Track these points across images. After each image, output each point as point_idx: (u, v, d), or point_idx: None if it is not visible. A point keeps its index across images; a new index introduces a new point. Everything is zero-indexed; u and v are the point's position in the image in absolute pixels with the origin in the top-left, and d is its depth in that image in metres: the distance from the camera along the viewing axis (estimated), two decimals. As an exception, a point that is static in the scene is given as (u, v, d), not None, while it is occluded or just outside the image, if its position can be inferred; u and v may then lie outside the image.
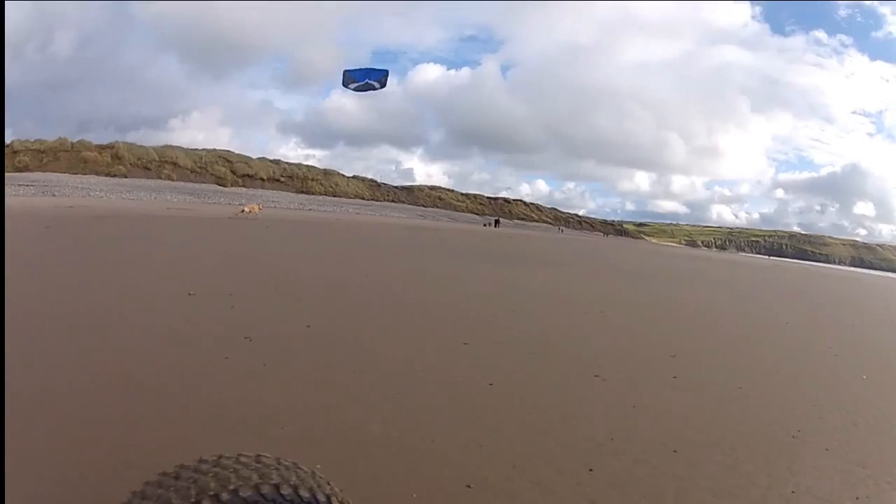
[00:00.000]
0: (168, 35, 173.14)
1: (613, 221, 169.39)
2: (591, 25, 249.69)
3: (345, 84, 15.27)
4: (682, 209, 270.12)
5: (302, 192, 69.20)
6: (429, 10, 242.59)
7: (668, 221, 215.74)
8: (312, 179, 72.50)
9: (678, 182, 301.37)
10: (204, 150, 67.11)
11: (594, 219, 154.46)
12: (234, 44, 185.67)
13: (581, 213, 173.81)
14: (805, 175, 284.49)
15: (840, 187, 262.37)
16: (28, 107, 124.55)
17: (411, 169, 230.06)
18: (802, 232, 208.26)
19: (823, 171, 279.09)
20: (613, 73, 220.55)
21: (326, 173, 76.64)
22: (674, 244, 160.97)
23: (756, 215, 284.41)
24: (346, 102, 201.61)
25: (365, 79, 15.38)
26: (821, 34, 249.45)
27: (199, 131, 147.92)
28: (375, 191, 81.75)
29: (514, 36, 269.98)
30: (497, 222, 73.13)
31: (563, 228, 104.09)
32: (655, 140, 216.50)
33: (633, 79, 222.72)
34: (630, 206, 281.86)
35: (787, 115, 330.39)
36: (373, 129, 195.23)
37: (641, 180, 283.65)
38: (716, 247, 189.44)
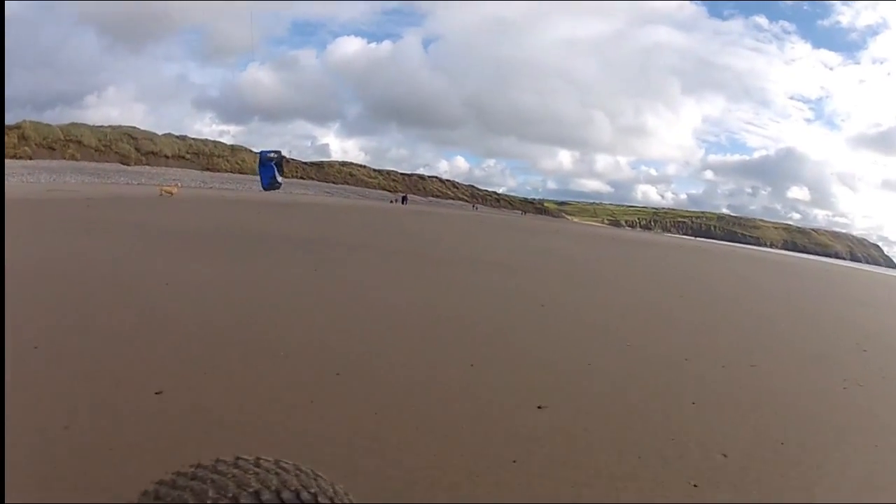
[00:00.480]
0: (89, 7, 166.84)
1: (534, 200, 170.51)
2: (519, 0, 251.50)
3: (278, 187, 19.12)
4: (605, 188, 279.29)
5: (207, 169, 71.47)
6: None
7: (592, 201, 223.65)
8: (219, 156, 74.65)
9: (602, 161, 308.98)
10: (109, 126, 69.09)
11: (514, 196, 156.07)
12: (152, 14, 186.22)
13: (501, 190, 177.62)
14: (736, 158, 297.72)
15: (773, 171, 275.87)
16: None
17: (327, 144, 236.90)
18: (732, 214, 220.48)
19: (756, 155, 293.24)
20: (539, 49, 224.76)
21: (233, 150, 78.55)
22: (596, 224, 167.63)
23: (683, 196, 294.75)
24: (263, 76, 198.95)
25: (273, 173, 18.40)
26: (761, 20, 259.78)
27: (113, 107, 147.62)
28: (283, 167, 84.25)
29: (437, 9, 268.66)
30: (405, 199, 76.46)
31: (479, 206, 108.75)
32: (580, 118, 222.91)
33: (560, 56, 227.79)
34: (552, 185, 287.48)
35: (720, 97, 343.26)
36: (289, 103, 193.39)
37: (564, 158, 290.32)
38: (640, 227, 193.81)
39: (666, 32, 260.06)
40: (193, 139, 75.23)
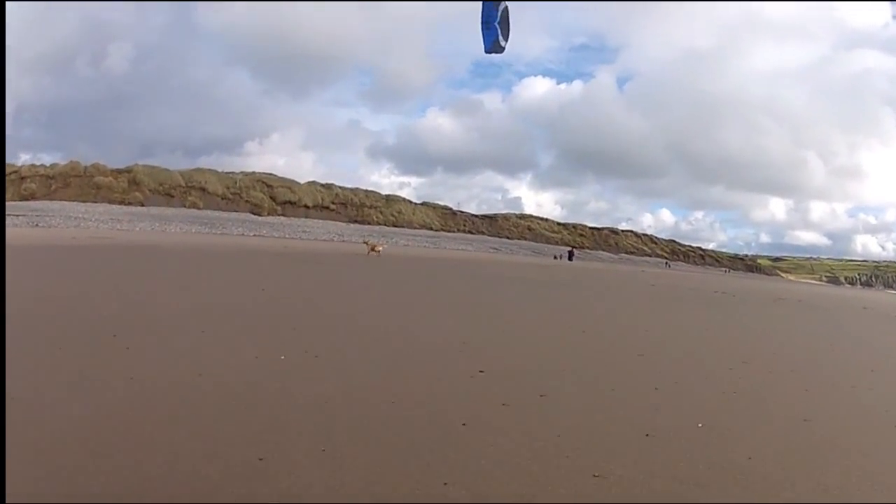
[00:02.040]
0: (238, 47, 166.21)
1: (745, 256, 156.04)
2: (712, 28, 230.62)
3: (500, 52, 9.92)
4: (822, 241, 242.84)
5: (356, 221, 60.80)
6: (534, 14, 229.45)
7: (807, 255, 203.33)
8: (371, 207, 64.19)
9: (817, 209, 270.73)
10: (241, 172, 60.44)
11: (721, 252, 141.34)
12: (314, 56, 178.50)
13: (711, 246, 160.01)
14: None
15: None
16: (81, 128, 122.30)
17: (519, 198, 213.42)
18: None
19: None
20: (740, 81, 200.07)
21: (388, 200, 68.69)
22: (813, 281, 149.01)
23: None
24: (444, 122, 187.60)
25: (493, 26, 10.02)
26: None
27: (278, 156, 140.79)
28: (449, 220, 72.60)
29: (628, 42, 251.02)
30: (571, 254, 61.28)
31: (675, 263, 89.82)
32: (791, 159, 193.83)
33: (764, 88, 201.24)
34: (765, 238, 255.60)
35: None
36: (475, 152, 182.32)
37: (776, 208, 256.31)
38: (860, 283, 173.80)
39: (873, 56, 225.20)
40: (341, 188, 65.47)
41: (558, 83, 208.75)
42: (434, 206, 74.99)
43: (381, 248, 31.16)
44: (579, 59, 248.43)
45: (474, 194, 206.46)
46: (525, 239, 77.69)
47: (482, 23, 12.10)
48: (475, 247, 60.31)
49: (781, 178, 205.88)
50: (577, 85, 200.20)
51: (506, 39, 12.28)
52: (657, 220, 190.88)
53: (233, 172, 60.58)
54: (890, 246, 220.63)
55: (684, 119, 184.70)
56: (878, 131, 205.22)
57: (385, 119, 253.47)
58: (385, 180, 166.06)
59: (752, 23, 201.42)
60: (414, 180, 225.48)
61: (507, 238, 73.95)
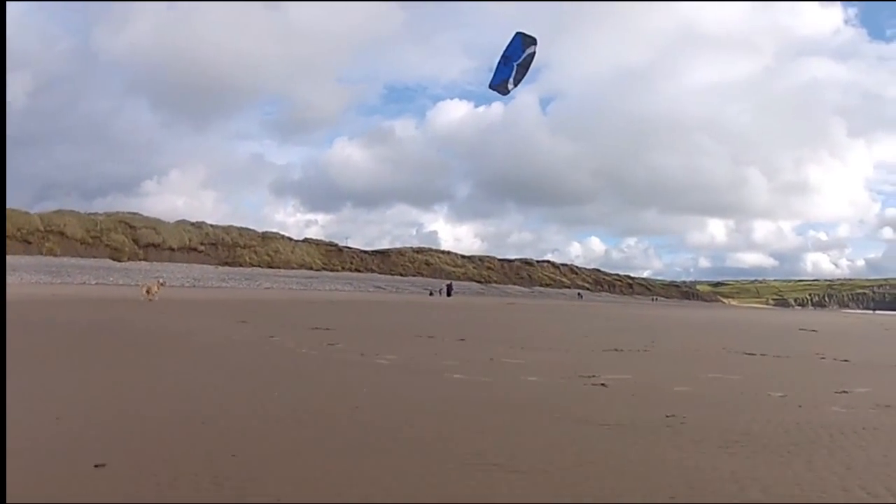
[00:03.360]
0: (138, 76, 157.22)
1: (681, 283, 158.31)
2: (646, 42, 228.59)
3: (503, 93, 12.36)
4: (768, 262, 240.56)
5: (226, 263, 60.29)
6: (451, 35, 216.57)
7: (752, 278, 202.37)
8: (244, 247, 63.50)
9: (761, 229, 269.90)
10: (103, 213, 59.74)
11: (655, 280, 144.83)
12: (216, 84, 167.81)
13: (646, 273, 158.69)
14: None
15: None
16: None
17: (435, 232, 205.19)
18: None
19: None
20: (676, 98, 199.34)
21: (265, 238, 68.02)
22: (758, 305, 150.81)
23: (861, 262, 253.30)
24: (353, 153, 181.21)
25: (511, 65, 12.04)
26: None
27: (177, 195, 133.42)
28: (333, 257, 72.28)
29: (553, 61, 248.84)
30: (449, 289, 61.13)
31: (584, 294, 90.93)
32: (731, 178, 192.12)
33: (702, 105, 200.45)
34: (705, 263, 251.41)
35: (894, 136, 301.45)
36: (386, 184, 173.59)
37: (716, 230, 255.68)
38: (812, 304, 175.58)
39: (821, 64, 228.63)
40: (213, 226, 64.65)
41: (476, 106, 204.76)
42: (317, 244, 74.62)
43: (156, 291, 29.71)
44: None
45: (386, 230, 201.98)
46: (422, 275, 77.76)
47: (503, 56, 12.41)
48: (355, 286, 60.45)
49: (720, 198, 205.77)
50: (497, 108, 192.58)
51: (515, 84, 12.62)
52: (586, 248, 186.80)
53: (95, 213, 59.78)
54: (844, 263, 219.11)
55: (614, 141, 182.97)
56: (827, 143, 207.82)
57: (292, 152, 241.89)
58: (291, 219, 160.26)
59: (687, 35, 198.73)
60: (321, 217, 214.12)
61: (401, 275, 74.15)
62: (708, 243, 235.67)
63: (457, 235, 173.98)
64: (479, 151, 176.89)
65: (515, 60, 12.26)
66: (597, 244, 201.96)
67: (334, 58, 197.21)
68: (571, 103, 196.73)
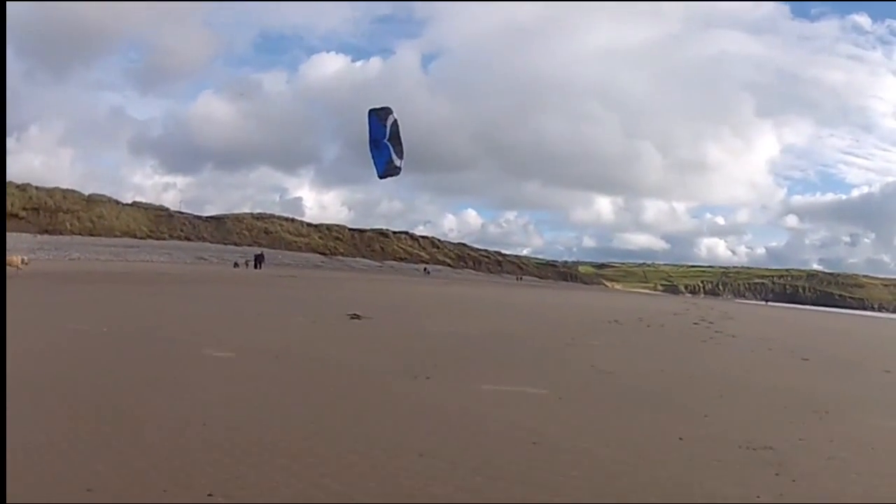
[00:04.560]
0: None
1: (561, 263, 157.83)
2: (539, 2, 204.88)
3: (396, 174, 13.62)
4: (659, 244, 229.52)
5: (47, 231, 63.98)
6: None
7: (641, 261, 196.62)
8: (67, 212, 67.13)
9: (653, 209, 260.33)
10: (-75, 175, 63.38)
11: (529, 258, 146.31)
12: (80, 26, 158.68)
13: (525, 251, 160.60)
14: (829, 198, 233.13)
15: (880, 213, 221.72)
16: None
17: (299, 198, 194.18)
18: (826, 270, 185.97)
19: (856, 193, 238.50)
20: (569, 63, 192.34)
21: (90, 202, 71.47)
22: (645, 290, 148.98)
23: (761, 250, 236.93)
24: (218, 107, 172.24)
25: (384, 144, 13.27)
26: (862, 19, 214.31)
27: (36, 154, 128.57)
28: (163, 224, 76.64)
29: (437, 14, 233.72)
30: (259, 260, 61.18)
31: (431, 270, 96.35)
32: (622, 151, 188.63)
33: (595, 71, 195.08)
34: (589, 242, 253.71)
35: (807, 120, 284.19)
36: (250, 143, 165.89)
37: (603, 207, 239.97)
38: (705, 292, 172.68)
39: (734, 38, 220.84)
40: (38, 188, 67.82)
41: (354, 60, 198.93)
42: (146, 208, 77.77)
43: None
44: (381, 33, 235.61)
45: (248, 195, 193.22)
46: (259, 244, 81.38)
47: (370, 141, 12.28)
48: (175, 257, 65.72)
49: (609, 173, 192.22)
50: (375, 63, 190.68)
51: (400, 157, 12.56)
52: (461, 221, 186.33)
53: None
54: (742, 250, 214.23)
55: (497, 103, 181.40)
56: (731, 120, 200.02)
57: (153, 105, 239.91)
58: (148, 181, 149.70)
59: None
60: (180, 180, 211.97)
61: (235, 244, 78.94)
62: (593, 221, 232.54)
63: (322, 203, 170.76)
64: (352, 110, 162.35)
65: (384, 138, 12.81)
66: (473, 217, 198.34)
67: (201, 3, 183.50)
68: (454, 61, 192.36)
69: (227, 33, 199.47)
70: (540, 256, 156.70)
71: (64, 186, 72.92)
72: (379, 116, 12.85)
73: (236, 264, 61.51)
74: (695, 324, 22.50)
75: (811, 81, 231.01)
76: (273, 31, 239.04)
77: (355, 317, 16.14)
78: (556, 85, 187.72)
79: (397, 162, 13.38)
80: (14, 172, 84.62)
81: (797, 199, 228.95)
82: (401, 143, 12.92)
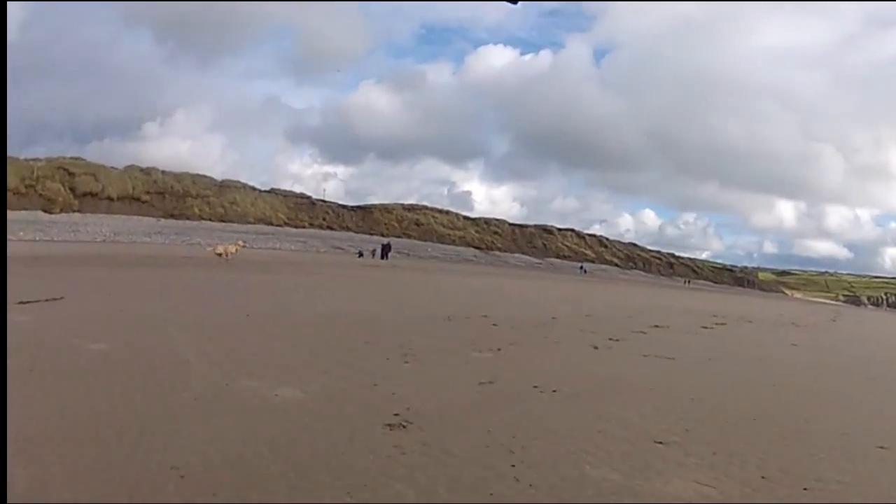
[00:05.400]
0: (140, 4, 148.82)
1: (739, 268, 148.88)
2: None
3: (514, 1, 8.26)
4: (841, 252, 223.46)
5: (172, 215, 58.34)
6: None
7: (822, 269, 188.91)
8: (196, 196, 61.26)
9: (835, 215, 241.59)
10: (45, 159, 58.32)
11: (706, 262, 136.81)
12: (227, 13, 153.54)
13: (704, 255, 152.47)
14: None
15: None
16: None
17: (469, 192, 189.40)
18: None
19: None
20: (744, 60, 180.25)
21: (222, 187, 65.63)
22: (826, 300, 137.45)
23: None
24: (380, 98, 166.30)
25: None
26: None
27: (182, 139, 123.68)
28: (303, 212, 69.61)
29: (609, 8, 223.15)
30: (385, 250, 54.77)
31: (588, 268, 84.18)
32: (802, 153, 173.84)
33: (771, 70, 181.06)
34: (770, 248, 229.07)
35: None
36: (415, 135, 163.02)
37: (785, 212, 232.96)
38: (888, 304, 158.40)
39: None
40: (164, 172, 62.40)
41: (522, 54, 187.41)
42: (285, 195, 71.86)
43: (233, 252, 27.52)
44: (550, 26, 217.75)
45: (414, 188, 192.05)
46: (409, 236, 74.23)
47: None
48: (307, 244, 57.67)
49: (790, 175, 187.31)
50: (545, 56, 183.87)
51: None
52: (638, 222, 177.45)
53: (37, 159, 58.38)
54: None
55: (671, 101, 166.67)
56: None
57: (311, 94, 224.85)
58: (307, 170, 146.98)
59: None
60: (341, 170, 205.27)
61: (382, 235, 70.79)
62: (775, 226, 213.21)
63: (493, 198, 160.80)
64: (522, 104, 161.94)
65: None
66: (650, 218, 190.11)
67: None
68: (627, 56, 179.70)
69: (387, 24, 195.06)
70: (718, 261, 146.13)
71: (196, 171, 67.44)
72: None
73: (360, 254, 55.04)
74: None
75: None
76: (437, 23, 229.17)
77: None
78: (729, 83, 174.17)
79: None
80: (158, 158, 80.00)
81: None
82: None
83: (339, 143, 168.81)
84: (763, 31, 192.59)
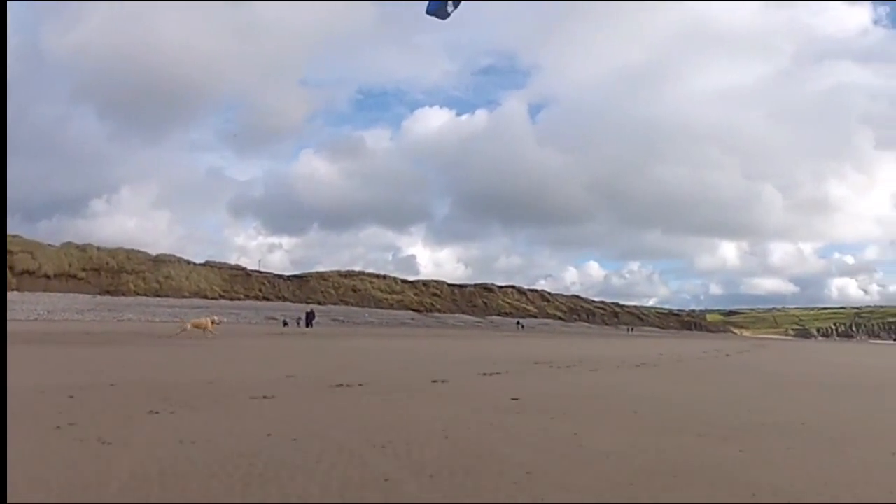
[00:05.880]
0: (85, 78, 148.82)
1: (686, 312, 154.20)
2: (648, 42, 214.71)
3: (443, 17, 9.50)
4: (787, 288, 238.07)
5: (108, 291, 60.60)
6: (432, 35, 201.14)
7: (770, 306, 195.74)
8: (132, 272, 63.92)
9: (778, 251, 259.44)
10: (-20, 237, 60.44)
11: (649, 308, 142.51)
12: (170, 88, 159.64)
13: (651, 301, 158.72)
14: None
15: None
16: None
17: (413, 256, 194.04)
18: None
19: None
20: (681, 105, 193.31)
21: (157, 262, 68.26)
22: (775, 336, 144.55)
23: (893, 288, 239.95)
24: (320, 166, 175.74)
25: None
26: None
27: (128, 216, 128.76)
28: (239, 283, 72.31)
29: (545, 63, 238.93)
30: (309, 318, 54.59)
31: (524, 323, 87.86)
32: (744, 194, 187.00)
33: (710, 112, 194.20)
34: (716, 290, 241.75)
35: None
36: (357, 203, 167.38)
37: (728, 252, 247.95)
38: (837, 334, 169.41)
39: (847, 69, 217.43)
40: (99, 249, 64.91)
41: (458, 114, 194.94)
42: (220, 268, 74.40)
43: (210, 328, 27.46)
44: (484, 85, 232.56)
45: (359, 255, 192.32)
46: (346, 303, 77.23)
47: None
48: (240, 317, 59.93)
49: (732, 216, 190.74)
50: (481, 115, 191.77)
51: (455, 6, 12.68)
52: (584, 274, 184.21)
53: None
54: (874, 289, 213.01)
55: (612, 152, 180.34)
56: (851, 155, 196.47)
57: (253, 165, 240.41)
58: (252, 242, 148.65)
59: (695, 34, 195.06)
60: (286, 241, 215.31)
61: (319, 304, 73.58)
62: (720, 267, 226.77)
63: (437, 260, 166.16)
64: (461, 165, 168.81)
65: None
66: (595, 269, 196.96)
67: (299, 57, 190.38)
68: (564, 110, 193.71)
69: (325, 90, 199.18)
70: (666, 306, 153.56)
71: (133, 247, 70.38)
72: None
73: (285, 323, 56.69)
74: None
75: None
76: (374, 87, 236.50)
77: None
78: (669, 130, 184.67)
79: (451, 7, 8.71)
80: (105, 235, 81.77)
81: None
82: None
83: (283, 214, 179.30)
84: (698, 75, 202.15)
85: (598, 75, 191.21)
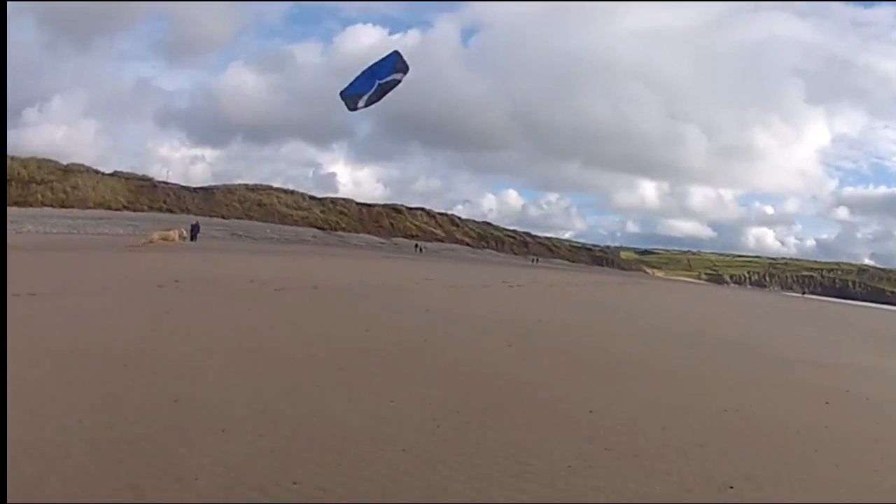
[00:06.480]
0: None
1: (600, 247, 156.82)
2: None
3: (351, 107, 12.65)
4: (706, 232, 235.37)
5: (16, 203, 64.46)
6: None
7: (686, 248, 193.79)
8: (41, 182, 68.03)
9: (699, 195, 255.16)
10: None
11: (560, 241, 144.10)
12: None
13: (568, 234, 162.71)
14: (882, 191, 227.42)
15: None
16: None
17: (334, 174, 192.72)
18: (878, 266, 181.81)
19: None
20: (611, 42, 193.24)
21: (66, 171, 71.98)
22: (688, 279, 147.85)
23: (811, 242, 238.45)
24: (248, 79, 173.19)
25: (374, 81, 12.46)
26: None
27: (58, 125, 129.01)
28: (144, 195, 76.60)
29: None
30: (194, 231, 52.85)
31: (424, 247, 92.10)
32: (666, 134, 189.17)
33: (638, 52, 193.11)
34: (633, 228, 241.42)
35: (860, 110, 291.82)
36: (282, 117, 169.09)
37: (648, 191, 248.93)
38: (751, 283, 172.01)
39: (784, 22, 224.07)
40: (12, 159, 67.84)
41: (391, 33, 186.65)
42: (127, 178, 77.83)
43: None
44: (420, 6, 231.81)
45: (279, 170, 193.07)
46: (250, 218, 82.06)
47: (370, 68, 12.31)
48: (139, 229, 64.74)
49: (653, 155, 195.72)
50: (413, 35, 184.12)
51: (367, 104, 12.60)
52: (501, 202, 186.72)
53: None
54: (791, 241, 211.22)
55: (536, 82, 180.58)
56: (780, 107, 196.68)
57: (182, 76, 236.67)
58: (175, 154, 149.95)
59: None
60: (208, 153, 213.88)
61: (223, 217, 78.61)
62: (637, 206, 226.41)
63: (357, 179, 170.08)
64: None
65: (380, 79, 12.29)
66: (514, 198, 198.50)
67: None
68: (494, 37, 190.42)
69: (258, 3, 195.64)
70: (581, 240, 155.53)
71: (41, 156, 74.34)
72: (396, 64, 12.07)
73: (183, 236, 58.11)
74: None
75: (864, 69, 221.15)
76: (304, 2, 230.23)
77: None
78: (595, 65, 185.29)
79: (362, 103, 12.34)
80: (35, 146, 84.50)
81: (849, 191, 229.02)
82: (381, 97, 12.13)
83: (207, 126, 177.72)
84: (629, 14, 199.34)
85: (529, 7, 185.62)
